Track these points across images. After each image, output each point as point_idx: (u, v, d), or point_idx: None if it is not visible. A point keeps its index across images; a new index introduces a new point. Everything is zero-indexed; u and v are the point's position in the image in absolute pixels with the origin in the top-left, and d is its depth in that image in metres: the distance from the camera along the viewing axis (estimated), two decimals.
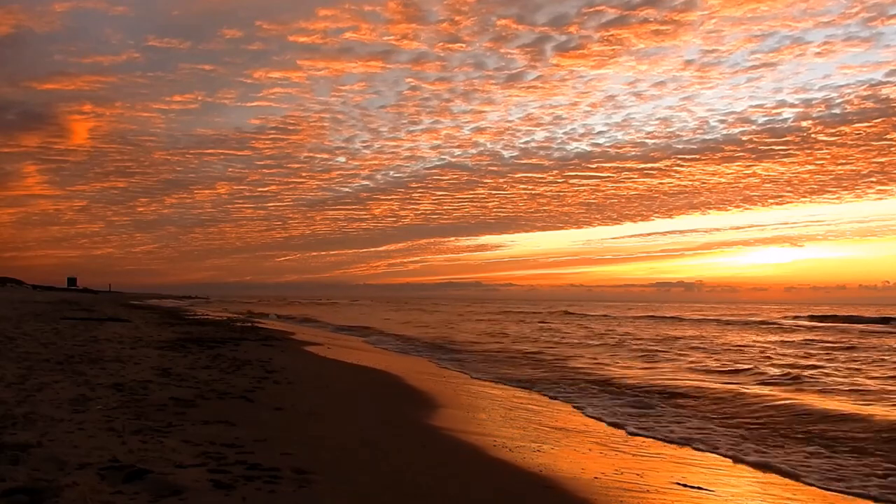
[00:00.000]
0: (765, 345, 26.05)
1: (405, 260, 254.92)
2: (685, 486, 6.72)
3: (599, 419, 10.72)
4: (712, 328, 38.95)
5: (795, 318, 54.27)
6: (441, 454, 7.51)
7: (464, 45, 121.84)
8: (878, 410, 11.14)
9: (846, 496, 6.82)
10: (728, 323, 45.73)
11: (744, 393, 12.94)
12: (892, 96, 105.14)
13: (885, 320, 44.45)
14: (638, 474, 7.05)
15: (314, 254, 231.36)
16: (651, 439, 9.27)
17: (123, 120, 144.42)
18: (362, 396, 11.57)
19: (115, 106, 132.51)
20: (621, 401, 12.55)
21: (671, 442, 9.17)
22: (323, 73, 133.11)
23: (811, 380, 14.97)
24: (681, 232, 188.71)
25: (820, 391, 13.42)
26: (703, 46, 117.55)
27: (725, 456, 8.42)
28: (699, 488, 6.66)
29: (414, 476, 6.25)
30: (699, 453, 8.58)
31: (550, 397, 12.97)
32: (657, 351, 23.14)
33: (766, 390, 13.59)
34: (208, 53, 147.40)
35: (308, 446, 6.93)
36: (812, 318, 53.16)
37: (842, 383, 14.42)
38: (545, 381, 15.11)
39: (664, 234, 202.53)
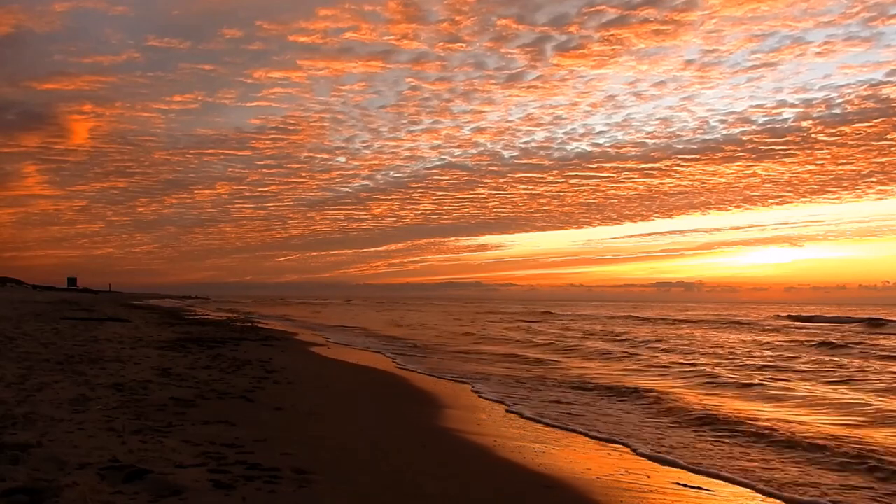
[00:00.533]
0: (732, 345, 25.77)
1: (405, 260, 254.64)
2: (685, 486, 6.72)
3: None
4: (684, 328, 38.64)
5: (776, 317, 54.43)
6: (441, 454, 7.51)
7: (464, 45, 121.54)
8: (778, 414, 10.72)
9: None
10: (704, 322, 45.93)
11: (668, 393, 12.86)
12: (892, 96, 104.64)
13: (869, 321, 44.24)
14: (644, 475, 7.05)
15: (314, 254, 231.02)
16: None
17: (123, 120, 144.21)
18: (362, 396, 11.57)
19: (115, 106, 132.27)
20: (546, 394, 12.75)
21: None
22: (323, 73, 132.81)
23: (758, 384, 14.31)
24: (681, 232, 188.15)
25: (757, 397, 12.77)
26: (704, 46, 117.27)
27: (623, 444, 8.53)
28: (699, 488, 6.66)
29: (414, 476, 6.25)
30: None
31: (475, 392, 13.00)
32: (615, 351, 23.03)
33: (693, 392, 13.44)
34: (208, 53, 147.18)
35: (308, 446, 6.93)
36: (791, 318, 53.11)
37: (775, 388, 13.75)
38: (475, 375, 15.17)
39: (664, 234, 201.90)
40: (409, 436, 8.42)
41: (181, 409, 8.34)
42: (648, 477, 6.96)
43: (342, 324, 40.31)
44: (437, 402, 11.34)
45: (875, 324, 41.37)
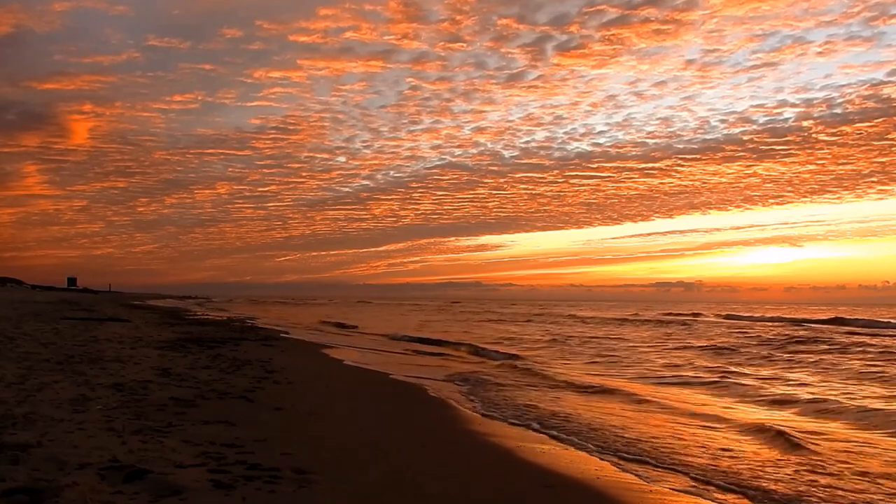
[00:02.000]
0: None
1: (405, 260, 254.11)
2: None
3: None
4: (606, 327, 39.50)
5: (717, 316, 59.15)
6: (441, 454, 7.51)
7: (464, 45, 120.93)
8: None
9: None
10: (626, 321, 47.21)
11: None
12: (893, 96, 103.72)
13: (801, 321, 46.04)
14: (639, 473, 7.06)
15: (314, 254, 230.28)
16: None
17: (123, 120, 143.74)
18: (362, 396, 11.58)
19: (115, 106, 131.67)
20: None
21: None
22: (323, 73, 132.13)
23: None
24: (681, 232, 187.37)
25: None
26: (705, 46, 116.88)
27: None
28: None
29: (414, 476, 6.25)
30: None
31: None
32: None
33: None
34: (208, 53, 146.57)
35: (308, 446, 6.93)
36: (729, 316, 57.21)
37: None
38: None
39: (664, 234, 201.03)
40: (408, 436, 8.42)
41: (181, 409, 8.34)
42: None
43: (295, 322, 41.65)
44: (433, 401, 11.35)
45: (795, 323, 43.59)
